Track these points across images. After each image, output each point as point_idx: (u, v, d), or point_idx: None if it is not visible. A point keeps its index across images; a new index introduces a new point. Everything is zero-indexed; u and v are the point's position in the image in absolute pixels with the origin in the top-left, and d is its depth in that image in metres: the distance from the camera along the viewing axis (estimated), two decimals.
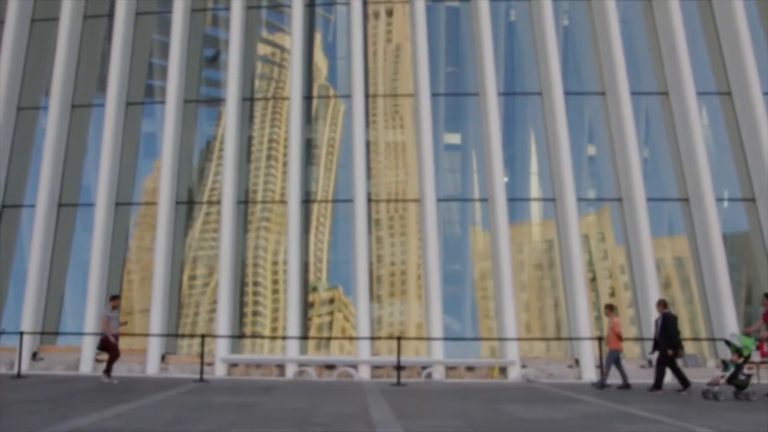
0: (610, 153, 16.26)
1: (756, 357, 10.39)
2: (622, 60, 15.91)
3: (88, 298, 15.33)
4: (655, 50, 16.78)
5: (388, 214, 16.54)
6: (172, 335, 15.69)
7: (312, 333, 15.78)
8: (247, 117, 17.20)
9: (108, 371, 12.55)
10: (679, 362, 12.17)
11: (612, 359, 12.37)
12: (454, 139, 17.67)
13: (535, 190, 16.66)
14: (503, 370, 14.60)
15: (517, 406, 9.41)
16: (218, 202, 16.35)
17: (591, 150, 17.02)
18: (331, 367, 14.89)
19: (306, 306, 15.86)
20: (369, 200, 16.23)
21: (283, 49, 18.13)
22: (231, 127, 16.30)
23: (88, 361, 15.00)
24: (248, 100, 17.33)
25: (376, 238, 16.26)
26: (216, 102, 17.72)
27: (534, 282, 16.25)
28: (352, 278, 15.56)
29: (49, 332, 15.79)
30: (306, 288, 16.02)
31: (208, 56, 18.26)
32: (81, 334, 15.10)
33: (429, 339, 14.69)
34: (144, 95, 17.62)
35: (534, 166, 16.80)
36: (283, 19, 18.20)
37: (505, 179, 15.89)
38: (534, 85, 16.83)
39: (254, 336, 15.98)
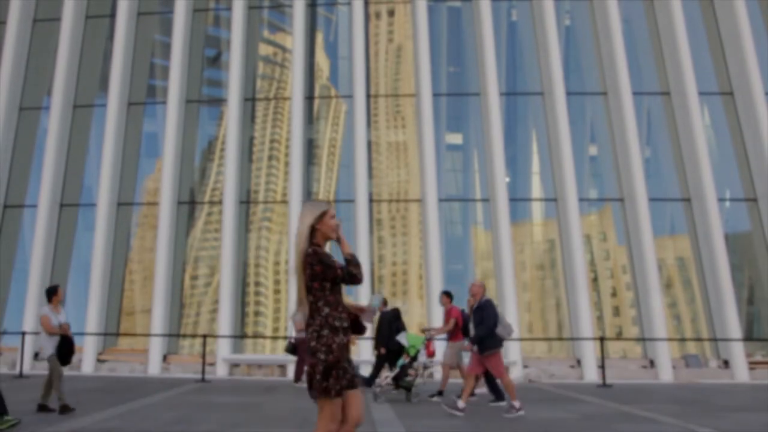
0: (611, 153, 16.23)
1: (423, 357, 10.19)
2: (623, 60, 15.87)
3: (90, 298, 15.32)
4: (657, 50, 16.75)
5: (390, 214, 16.54)
6: (174, 335, 15.69)
7: None
8: (248, 117, 17.20)
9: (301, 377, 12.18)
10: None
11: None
12: (455, 139, 17.67)
13: (536, 190, 16.65)
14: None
15: None
16: (220, 202, 16.35)
17: (593, 150, 17.01)
18: None
19: None
20: (370, 200, 16.23)
21: (284, 49, 18.13)
22: (233, 127, 16.30)
23: (89, 360, 15.01)
24: (250, 100, 17.33)
25: (378, 238, 16.26)
26: (218, 102, 17.73)
27: (536, 282, 16.24)
28: None
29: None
30: None
31: (209, 56, 18.27)
32: (82, 334, 15.09)
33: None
34: (146, 95, 17.62)
35: (536, 166, 16.79)
36: (285, 20, 18.20)
37: (507, 179, 15.87)
38: (536, 85, 16.80)
39: (256, 336, 15.99)
